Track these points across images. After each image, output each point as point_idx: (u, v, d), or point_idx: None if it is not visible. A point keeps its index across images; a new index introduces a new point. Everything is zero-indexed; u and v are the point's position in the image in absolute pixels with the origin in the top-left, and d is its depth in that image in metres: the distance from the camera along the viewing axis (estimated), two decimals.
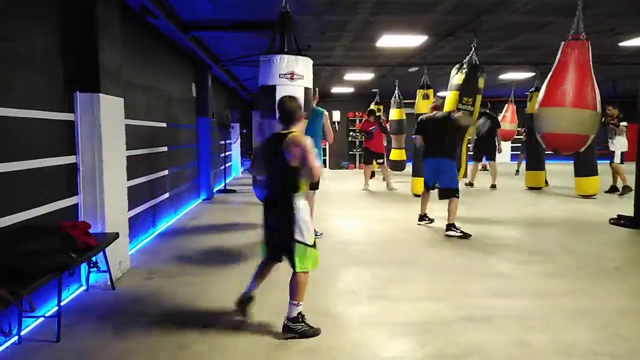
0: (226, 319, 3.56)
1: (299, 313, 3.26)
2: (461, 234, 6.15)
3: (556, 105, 5.44)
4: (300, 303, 3.27)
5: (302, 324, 3.27)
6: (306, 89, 4.72)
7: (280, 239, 3.29)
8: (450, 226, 6.24)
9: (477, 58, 7.03)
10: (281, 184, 3.29)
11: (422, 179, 9.68)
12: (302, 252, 3.22)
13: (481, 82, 6.87)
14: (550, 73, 5.56)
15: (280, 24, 4.75)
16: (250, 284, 3.56)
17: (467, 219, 7.49)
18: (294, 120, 3.33)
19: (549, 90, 5.50)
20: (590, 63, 5.35)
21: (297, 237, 3.21)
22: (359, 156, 18.48)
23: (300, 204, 3.25)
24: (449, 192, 6.29)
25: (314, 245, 3.28)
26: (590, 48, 5.35)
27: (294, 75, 4.58)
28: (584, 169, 9.34)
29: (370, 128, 10.83)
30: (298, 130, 3.32)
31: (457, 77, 6.93)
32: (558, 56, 5.52)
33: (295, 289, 3.26)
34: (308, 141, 3.19)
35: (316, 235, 5.87)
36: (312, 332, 3.26)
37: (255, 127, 7.21)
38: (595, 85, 5.34)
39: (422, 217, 7.02)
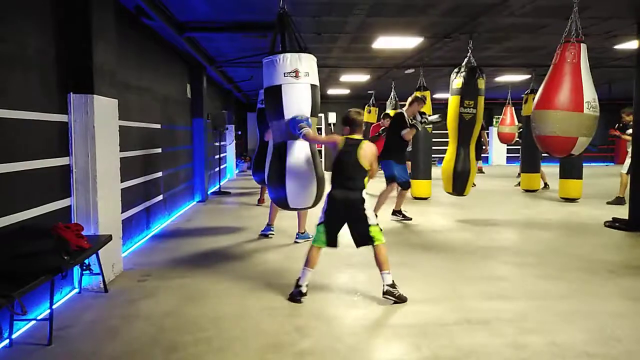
0: (220, 321, 3.53)
1: (392, 280, 3.96)
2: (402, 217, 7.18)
3: (544, 108, 5.45)
4: (390, 271, 3.97)
5: (397, 289, 3.93)
6: (312, 86, 4.52)
7: (357, 226, 3.97)
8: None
9: (474, 60, 7.03)
10: (358, 181, 3.98)
11: (421, 181, 9.75)
12: (376, 230, 3.95)
13: (481, 84, 6.86)
14: (546, 76, 5.59)
15: (279, 25, 4.70)
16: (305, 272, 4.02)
17: (463, 221, 7.50)
18: (361, 128, 4.14)
19: (541, 93, 5.52)
20: (582, 65, 5.34)
21: (371, 221, 3.95)
22: None
23: (366, 196, 4.00)
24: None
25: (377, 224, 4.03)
26: (583, 50, 5.36)
27: (298, 72, 4.41)
28: (567, 171, 9.26)
29: (379, 130, 9.93)
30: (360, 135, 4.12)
31: (456, 82, 6.93)
32: (553, 59, 5.54)
33: (383, 260, 3.95)
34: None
35: (308, 237, 5.90)
36: (404, 298, 3.92)
37: (264, 128, 7.19)
38: (585, 87, 5.32)
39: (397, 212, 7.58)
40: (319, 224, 4.04)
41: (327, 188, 4.04)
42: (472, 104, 6.79)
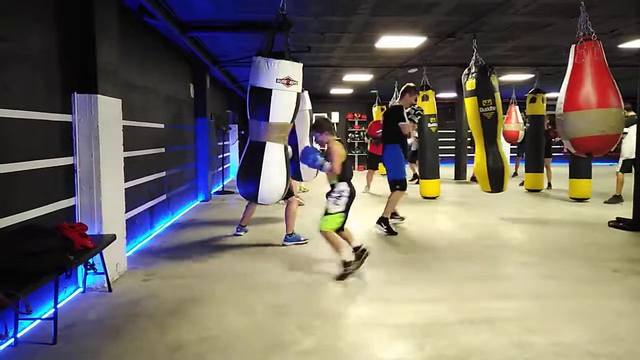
0: (223, 321, 3.54)
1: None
2: (387, 231, 6.38)
3: (583, 108, 5.40)
4: None
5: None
6: (297, 94, 4.86)
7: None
8: (380, 220, 6.47)
9: (481, 59, 7.01)
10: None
11: (429, 181, 9.71)
12: None
13: (494, 80, 6.85)
14: (568, 76, 5.49)
15: (276, 26, 4.78)
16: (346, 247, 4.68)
17: (467, 220, 7.49)
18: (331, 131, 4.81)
19: (571, 94, 5.44)
20: (606, 62, 5.36)
21: None
22: (358, 158, 18.46)
23: None
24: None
25: None
26: (602, 48, 5.37)
27: (289, 81, 4.67)
28: (577, 170, 9.19)
29: (378, 132, 9.68)
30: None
31: (468, 83, 6.91)
32: (572, 59, 5.46)
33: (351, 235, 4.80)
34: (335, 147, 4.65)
35: (299, 240, 5.89)
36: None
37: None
38: (615, 84, 5.37)
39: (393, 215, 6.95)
40: (337, 213, 4.61)
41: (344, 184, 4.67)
42: (490, 102, 6.79)
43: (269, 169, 4.87)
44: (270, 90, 4.67)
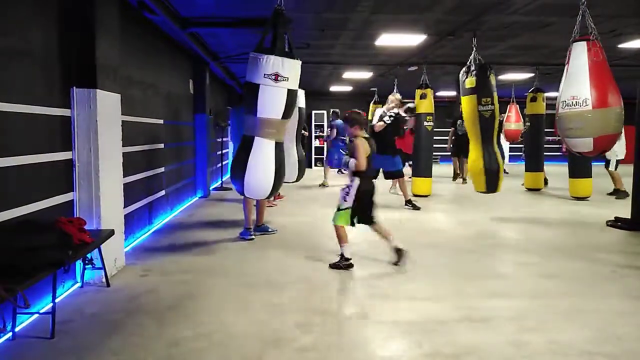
0: (221, 317, 3.54)
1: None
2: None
3: (611, 105, 5.28)
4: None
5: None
6: (289, 91, 4.77)
7: (371, 207, 4.86)
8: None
9: (480, 57, 7.00)
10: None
11: (422, 179, 9.71)
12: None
13: (493, 79, 6.83)
14: (587, 73, 5.30)
15: (272, 21, 4.75)
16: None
17: (465, 219, 7.50)
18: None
19: (598, 91, 5.21)
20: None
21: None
22: None
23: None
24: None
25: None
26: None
27: (278, 76, 4.63)
28: (579, 170, 9.22)
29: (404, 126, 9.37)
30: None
31: (468, 81, 6.87)
32: (586, 55, 5.31)
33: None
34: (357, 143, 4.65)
35: (267, 230, 6.12)
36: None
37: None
38: None
39: None
40: (344, 209, 4.68)
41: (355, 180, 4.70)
42: (489, 101, 6.75)
43: (254, 164, 4.90)
44: (258, 85, 4.68)
